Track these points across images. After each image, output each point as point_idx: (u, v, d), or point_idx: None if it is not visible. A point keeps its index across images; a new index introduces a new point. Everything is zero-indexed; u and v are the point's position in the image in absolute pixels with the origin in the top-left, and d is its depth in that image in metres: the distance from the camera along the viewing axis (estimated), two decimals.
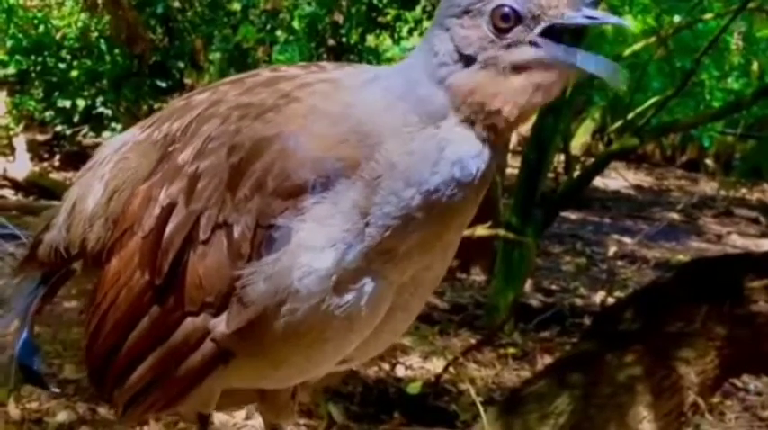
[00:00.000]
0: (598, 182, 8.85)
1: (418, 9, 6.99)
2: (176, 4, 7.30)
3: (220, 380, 1.27)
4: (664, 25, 5.64)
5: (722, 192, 9.99)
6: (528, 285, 5.42)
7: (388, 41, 7.83)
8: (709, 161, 12.02)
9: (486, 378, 4.23)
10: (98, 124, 7.53)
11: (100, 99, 7.35)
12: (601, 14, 1.12)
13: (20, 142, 7.64)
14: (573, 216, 8.43)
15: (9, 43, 7.43)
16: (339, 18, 7.25)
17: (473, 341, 4.55)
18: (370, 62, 6.95)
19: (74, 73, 7.32)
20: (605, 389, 2.76)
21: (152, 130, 1.34)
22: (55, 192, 6.19)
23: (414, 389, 3.79)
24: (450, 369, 3.96)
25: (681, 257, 6.91)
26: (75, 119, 7.51)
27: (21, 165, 7.42)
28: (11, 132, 7.67)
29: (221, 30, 7.16)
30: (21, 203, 6.60)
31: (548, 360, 4.26)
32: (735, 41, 6.82)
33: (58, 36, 7.52)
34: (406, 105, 1.14)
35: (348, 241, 1.14)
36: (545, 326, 4.89)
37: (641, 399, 2.69)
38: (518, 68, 1.11)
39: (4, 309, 1.48)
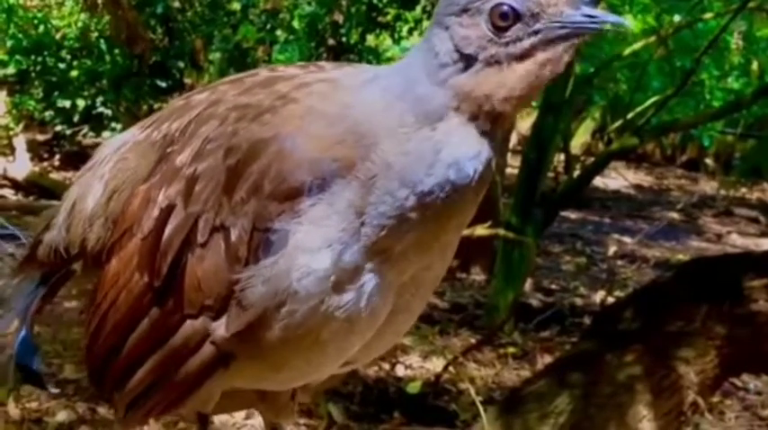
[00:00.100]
0: (598, 181, 8.84)
1: (418, 9, 6.99)
2: (176, 4, 7.29)
3: (221, 382, 1.26)
4: (664, 25, 5.64)
5: (722, 192, 10.00)
6: (528, 285, 5.42)
7: (389, 41, 7.82)
8: (709, 161, 12.02)
9: (485, 377, 4.23)
10: (98, 124, 7.53)
11: (100, 99, 7.35)
12: (600, 13, 1.12)
13: (20, 142, 7.64)
14: (573, 215, 8.43)
15: (9, 43, 7.43)
16: (339, 18, 7.25)
17: (473, 340, 4.55)
18: (370, 62, 6.94)
19: (74, 73, 7.32)
20: (605, 388, 2.76)
21: (151, 130, 1.34)
22: (55, 192, 6.19)
23: (414, 388, 3.79)
24: (450, 368, 3.96)
25: (681, 257, 6.91)
26: (75, 119, 7.51)
27: (21, 165, 7.42)
28: (11, 132, 7.67)
29: (221, 29, 7.16)
30: (21, 203, 6.60)
31: (548, 359, 4.26)
32: (735, 41, 6.81)
33: (57, 36, 7.51)
34: (404, 105, 1.14)
35: (344, 241, 1.14)
36: (545, 326, 4.89)
37: (641, 399, 2.69)
38: (520, 57, 1.11)
39: (3, 309, 1.48)
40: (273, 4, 7.33)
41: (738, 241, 8.23)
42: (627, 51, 5.34)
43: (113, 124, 7.38)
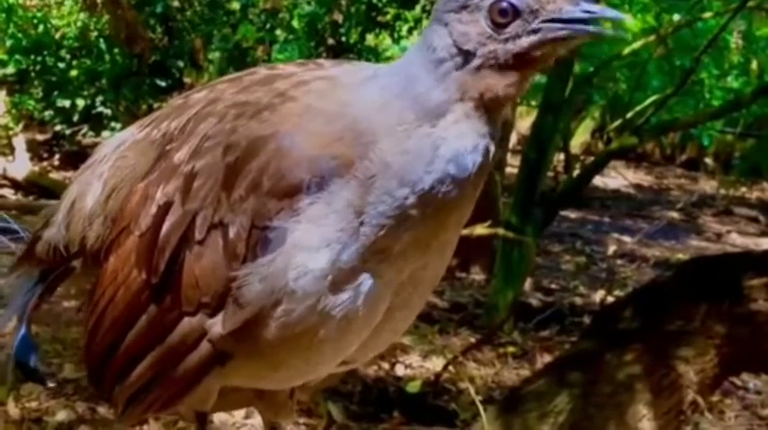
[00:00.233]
0: (598, 181, 8.85)
1: (418, 8, 6.98)
2: (176, 4, 7.29)
3: (218, 380, 1.26)
4: (663, 24, 5.64)
5: (722, 191, 10.00)
6: (527, 284, 5.42)
7: (388, 41, 7.82)
8: (708, 160, 12.03)
9: (485, 377, 4.22)
10: (97, 124, 7.52)
11: (99, 98, 7.35)
12: (599, 8, 1.12)
13: (19, 142, 7.65)
14: (573, 215, 8.43)
15: (8, 43, 7.43)
16: (339, 17, 7.24)
17: (473, 340, 4.55)
18: (369, 61, 6.94)
19: (73, 72, 7.33)
20: (605, 387, 2.76)
21: (150, 129, 1.34)
22: (54, 191, 6.18)
23: (413, 388, 3.79)
24: (450, 368, 3.96)
25: (680, 256, 6.90)
26: (75, 118, 7.52)
27: (20, 165, 7.43)
28: (10, 132, 7.68)
29: (221, 29, 7.16)
30: (20, 203, 6.59)
31: (547, 359, 4.26)
32: (734, 40, 6.81)
33: (57, 35, 7.51)
34: (403, 103, 1.13)
35: (343, 241, 1.14)
36: (544, 325, 4.89)
37: (641, 398, 2.69)
38: (519, 55, 1.12)
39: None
40: (273, 3, 7.33)
41: (738, 240, 8.23)
42: (626, 51, 5.33)
43: (113, 124, 7.37)
